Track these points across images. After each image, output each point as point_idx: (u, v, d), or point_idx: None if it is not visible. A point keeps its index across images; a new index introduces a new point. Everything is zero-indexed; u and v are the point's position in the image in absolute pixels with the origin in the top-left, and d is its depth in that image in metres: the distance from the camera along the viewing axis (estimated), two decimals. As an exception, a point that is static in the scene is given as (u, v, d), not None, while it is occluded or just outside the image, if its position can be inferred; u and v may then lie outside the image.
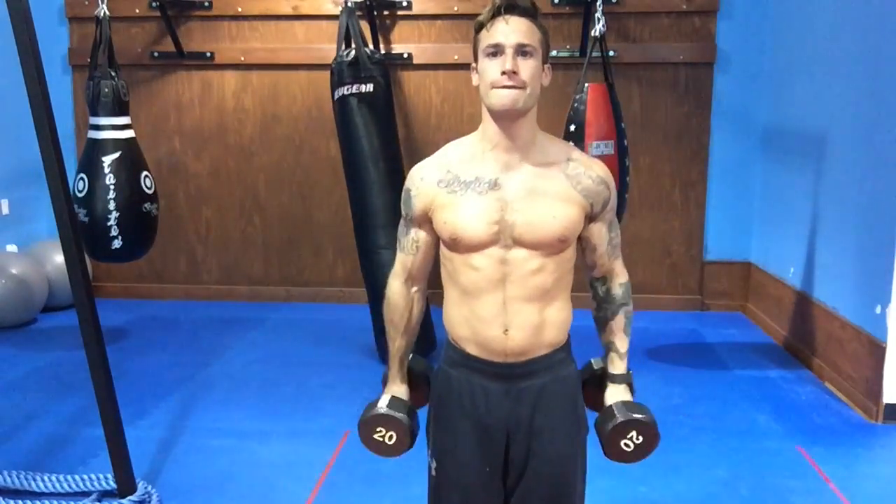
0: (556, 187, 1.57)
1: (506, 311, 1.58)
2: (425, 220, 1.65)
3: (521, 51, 1.49)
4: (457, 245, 1.59)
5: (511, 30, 1.48)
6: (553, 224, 1.55)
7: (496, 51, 1.49)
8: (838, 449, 3.18)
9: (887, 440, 3.29)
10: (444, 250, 1.65)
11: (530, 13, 1.51)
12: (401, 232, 1.73)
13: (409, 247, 1.71)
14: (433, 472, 1.72)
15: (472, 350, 1.63)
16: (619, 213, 3.78)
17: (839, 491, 2.82)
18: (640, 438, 1.66)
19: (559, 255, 1.59)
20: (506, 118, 1.53)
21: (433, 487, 1.73)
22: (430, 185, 1.61)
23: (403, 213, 1.70)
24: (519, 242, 1.55)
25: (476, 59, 1.55)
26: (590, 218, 1.62)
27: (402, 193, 1.69)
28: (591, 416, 1.75)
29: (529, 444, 1.63)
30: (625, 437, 1.66)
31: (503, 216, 1.55)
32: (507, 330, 1.58)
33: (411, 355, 1.84)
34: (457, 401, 1.65)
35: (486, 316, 1.59)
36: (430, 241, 1.69)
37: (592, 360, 1.79)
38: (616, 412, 1.67)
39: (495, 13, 1.50)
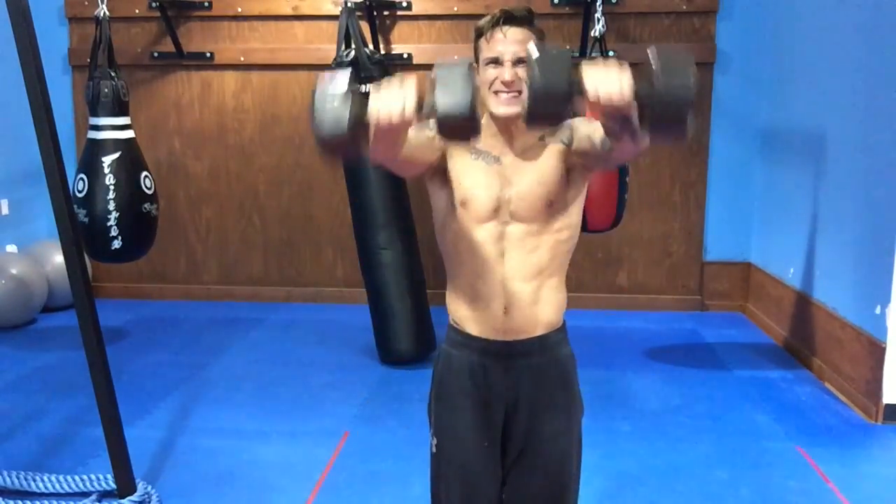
0: (540, 157, 1.66)
1: (504, 290, 1.65)
2: (439, 149, 1.64)
3: (519, 61, 1.60)
4: (465, 210, 1.64)
5: (509, 41, 1.61)
6: (539, 190, 1.63)
7: (496, 61, 1.62)
8: (838, 449, 3.18)
9: (887, 440, 3.29)
10: (444, 234, 1.70)
11: (526, 22, 1.64)
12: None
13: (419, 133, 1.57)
14: (434, 450, 1.77)
15: (472, 330, 1.70)
16: (619, 213, 3.78)
17: (839, 491, 2.82)
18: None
19: (555, 234, 1.66)
20: (506, 120, 1.64)
21: (434, 465, 1.78)
22: None
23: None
24: (515, 217, 1.64)
25: (477, 62, 1.66)
26: (569, 147, 1.64)
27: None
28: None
29: (527, 422, 1.69)
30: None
31: (502, 191, 1.64)
32: (505, 309, 1.66)
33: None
34: (457, 379, 1.72)
35: (486, 294, 1.66)
36: (423, 146, 1.60)
37: None
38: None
39: (494, 24, 1.62)
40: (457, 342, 1.73)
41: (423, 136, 1.60)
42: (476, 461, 1.71)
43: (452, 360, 1.73)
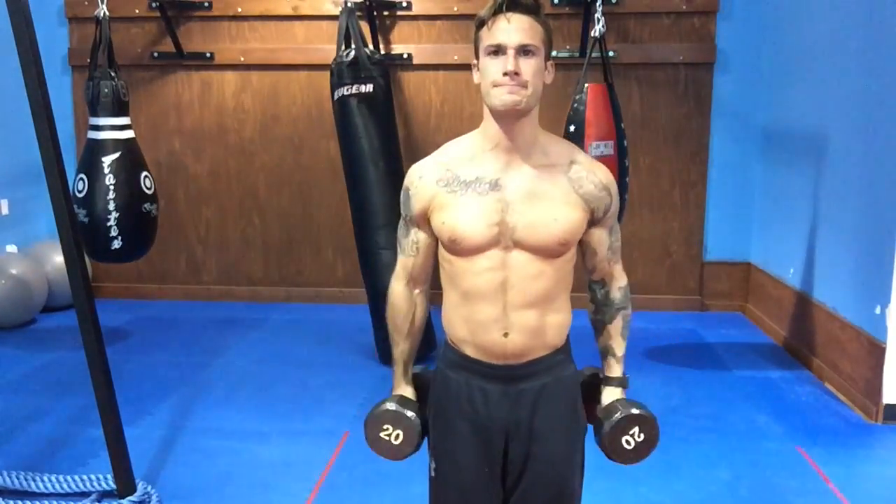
0: (557, 190, 1.55)
1: (506, 316, 1.56)
2: (424, 221, 1.63)
3: (523, 50, 1.46)
4: (456, 247, 1.56)
5: (513, 28, 1.45)
6: (554, 227, 1.53)
7: (498, 50, 1.47)
8: (838, 449, 3.19)
9: (887, 440, 3.29)
10: (443, 253, 1.63)
11: (532, 10, 1.48)
12: (401, 233, 1.71)
13: (410, 248, 1.69)
14: (433, 473, 1.72)
15: (470, 352, 1.61)
16: (619, 214, 3.77)
17: (839, 491, 2.82)
18: (642, 436, 1.66)
19: (560, 259, 1.57)
20: (507, 118, 1.51)
21: (433, 488, 1.73)
22: (429, 183, 1.59)
23: (402, 213, 1.68)
24: (519, 245, 1.53)
25: (477, 57, 1.53)
26: (591, 223, 1.61)
27: (401, 194, 1.67)
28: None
29: (528, 445, 1.62)
30: (626, 434, 1.65)
31: (504, 218, 1.52)
32: (506, 333, 1.57)
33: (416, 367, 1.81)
34: (455, 402, 1.64)
35: (486, 320, 1.57)
36: (430, 243, 1.66)
37: (586, 368, 1.77)
38: (619, 407, 1.68)
39: (497, 10, 1.47)
40: (454, 363, 1.64)
41: (420, 245, 1.67)
42: (475, 486, 1.65)
43: (450, 384, 1.64)
